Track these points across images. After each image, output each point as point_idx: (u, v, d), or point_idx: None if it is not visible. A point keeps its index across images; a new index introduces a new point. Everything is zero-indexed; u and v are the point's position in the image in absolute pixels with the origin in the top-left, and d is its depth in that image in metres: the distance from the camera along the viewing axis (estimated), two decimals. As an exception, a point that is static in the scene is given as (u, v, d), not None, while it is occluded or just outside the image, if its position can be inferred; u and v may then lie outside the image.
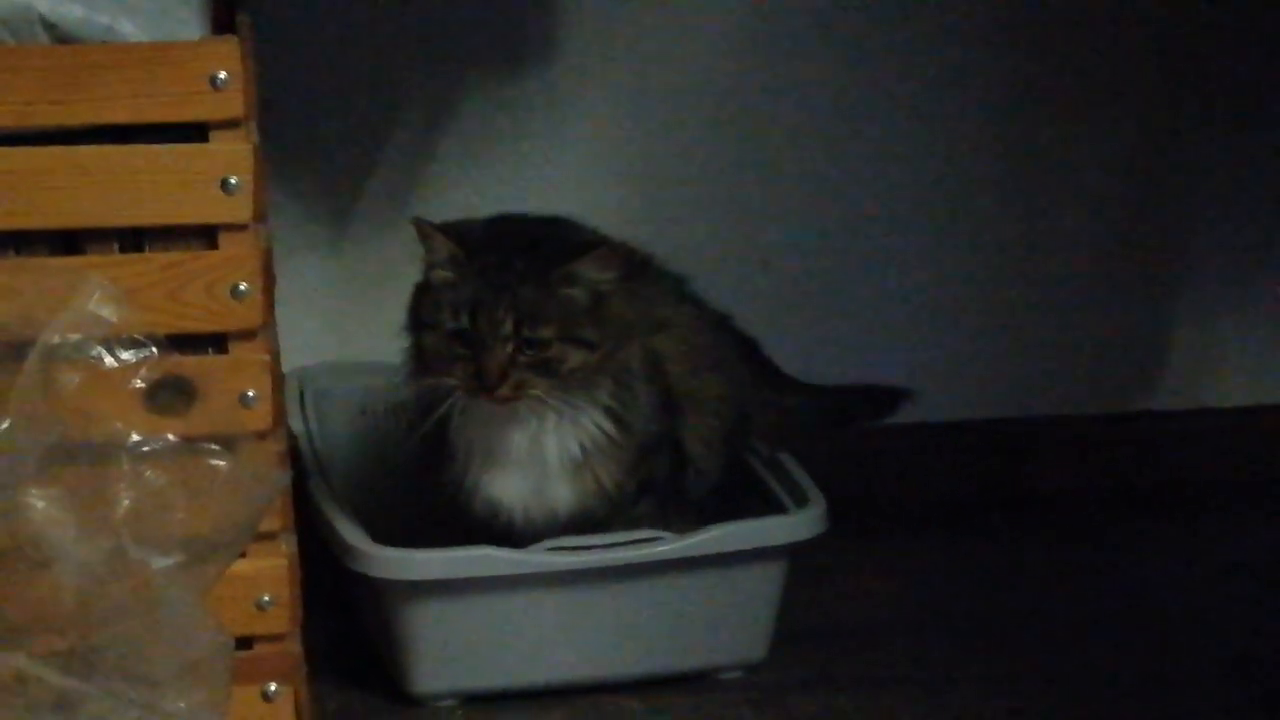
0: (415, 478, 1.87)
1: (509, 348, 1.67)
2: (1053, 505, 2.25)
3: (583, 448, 1.73)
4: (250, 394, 1.53)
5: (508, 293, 1.67)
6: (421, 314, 1.71)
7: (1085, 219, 2.26)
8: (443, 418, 1.72)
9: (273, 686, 1.60)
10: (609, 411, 1.73)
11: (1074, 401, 2.31)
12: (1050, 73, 2.20)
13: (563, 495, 1.75)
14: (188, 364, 1.50)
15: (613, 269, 1.70)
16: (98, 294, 1.42)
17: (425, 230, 1.70)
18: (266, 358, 1.54)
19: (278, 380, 1.59)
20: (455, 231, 1.71)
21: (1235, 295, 2.30)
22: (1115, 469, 2.30)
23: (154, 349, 1.44)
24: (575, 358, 1.69)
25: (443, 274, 1.70)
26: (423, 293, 1.73)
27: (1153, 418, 2.32)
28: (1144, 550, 2.15)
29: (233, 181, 1.50)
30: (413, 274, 1.78)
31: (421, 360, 1.73)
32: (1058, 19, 2.19)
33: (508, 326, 1.67)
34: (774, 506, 1.84)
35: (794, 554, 1.81)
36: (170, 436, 1.43)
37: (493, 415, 1.71)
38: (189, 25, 1.52)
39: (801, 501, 1.83)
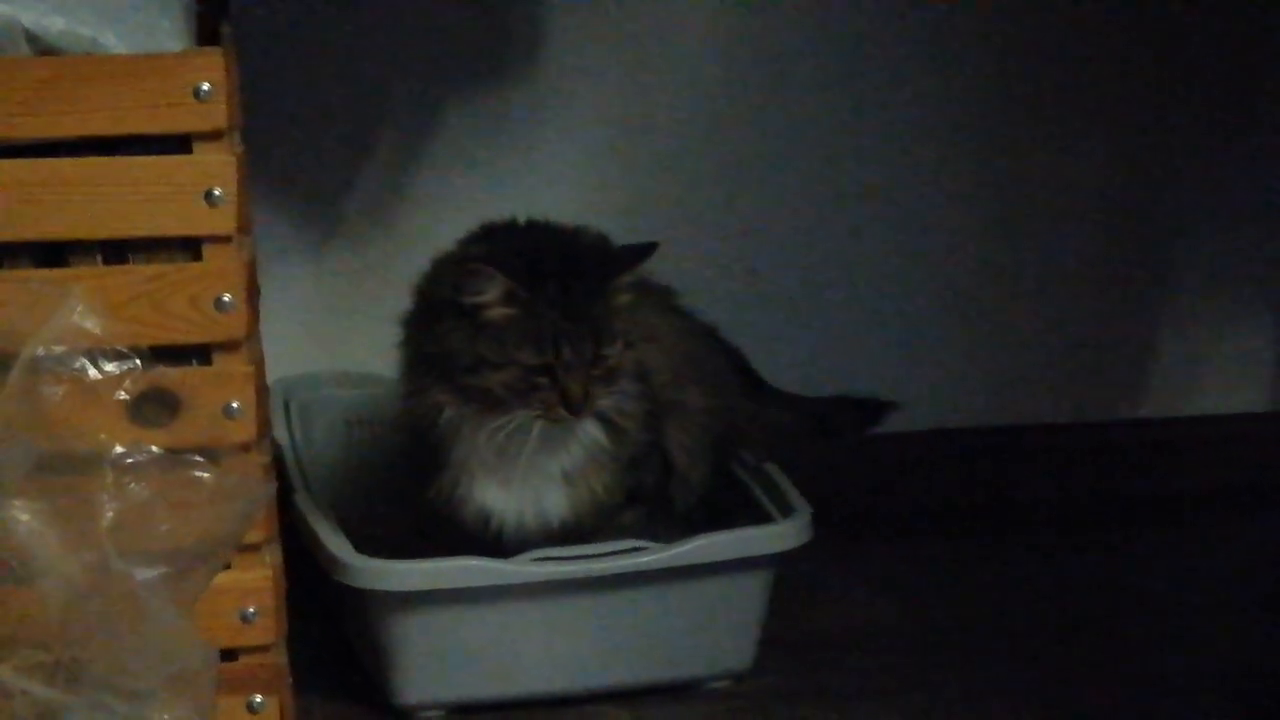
0: (403, 488, 1.87)
1: (589, 369, 1.69)
2: (1037, 513, 2.25)
3: (580, 456, 1.74)
4: (234, 405, 1.53)
5: (585, 322, 1.68)
6: (483, 354, 1.67)
7: (1069, 230, 2.26)
8: (435, 429, 1.72)
9: (258, 698, 1.60)
10: (605, 419, 1.74)
11: (1058, 410, 2.31)
12: (1036, 85, 2.21)
13: (558, 504, 1.75)
14: (172, 376, 1.50)
15: (641, 270, 1.76)
16: (81, 306, 1.42)
17: (484, 271, 1.66)
18: (251, 369, 1.54)
19: (262, 391, 1.59)
20: (509, 267, 1.67)
21: (1217, 305, 2.31)
22: (1099, 477, 2.30)
23: (138, 361, 1.44)
24: (627, 358, 1.73)
25: (501, 311, 1.67)
26: (474, 332, 1.67)
27: (1136, 426, 2.32)
28: (1128, 558, 2.15)
29: (216, 193, 1.49)
30: (398, 285, 1.78)
31: (476, 398, 1.69)
32: (1044, 34, 2.19)
33: (589, 351, 1.68)
34: (759, 516, 1.84)
35: (780, 563, 1.81)
36: (154, 448, 1.43)
37: (517, 430, 1.70)
38: (172, 36, 1.51)
39: (787, 511, 1.83)
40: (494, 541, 1.75)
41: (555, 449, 1.73)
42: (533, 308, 1.67)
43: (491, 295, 1.67)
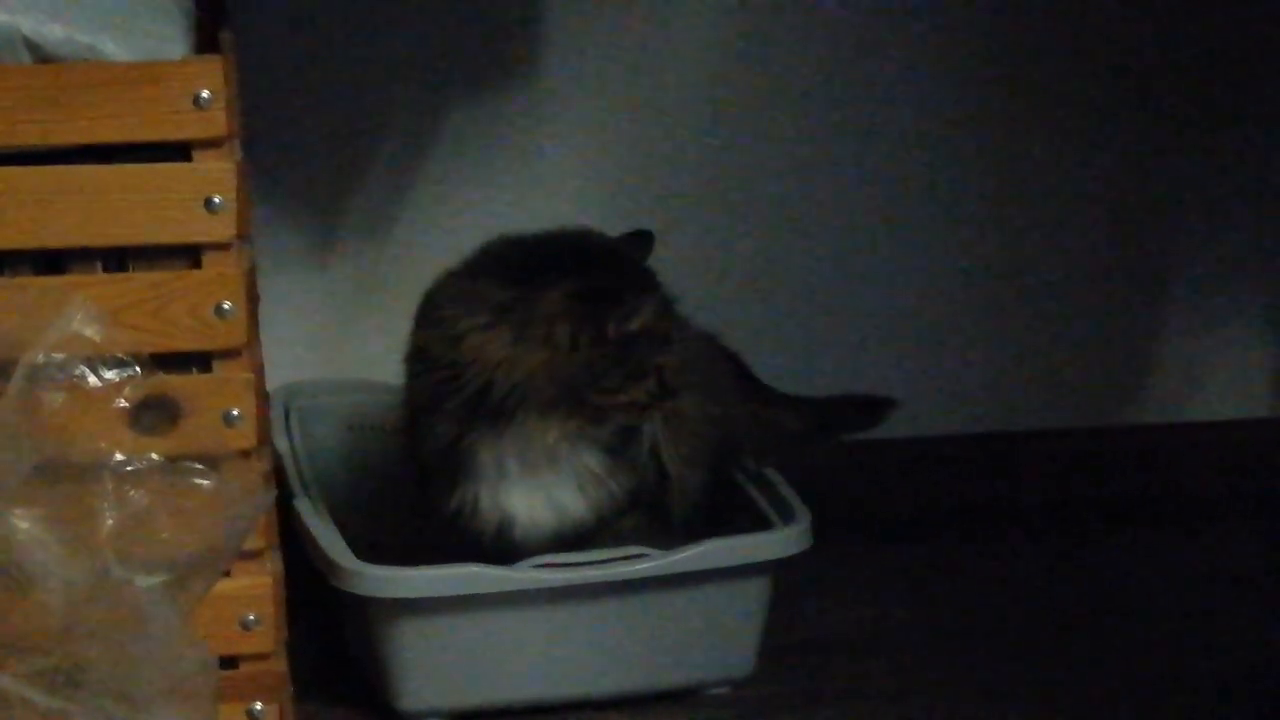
0: (404, 495, 1.87)
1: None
2: (1038, 519, 2.25)
3: (605, 455, 1.75)
4: (234, 413, 1.53)
5: (670, 310, 1.76)
6: (626, 369, 1.70)
7: (1071, 235, 2.26)
8: (462, 437, 1.72)
9: (258, 706, 1.60)
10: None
11: (1059, 415, 2.31)
12: (1037, 92, 2.21)
13: (578, 504, 1.75)
14: (172, 383, 1.50)
15: None
16: (81, 313, 1.42)
17: (649, 300, 1.71)
18: (251, 376, 1.54)
19: (262, 399, 1.59)
20: (648, 288, 1.73)
21: (1218, 310, 2.31)
22: (1100, 482, 2.30)
23: (138, 368, 1.44)
24: None
25: (647, 327, 1.71)
26: (615, 354, 1.70)
27: (1137, 431, 2.32)
28: (1129, 563, 2.15)
29: (216, 200, 1.50)
30: (398, 291, 1.78)
31: (607, 415, 1.73)
32: (1045, 36, 2.19)
33: (677, 337, 1.76)
34: (759, 522, 1.84)
35: (780, 569, 1.81)
36: (154, 456, 1.43)
37: (565, 436, 1.73)
38: (172, 44, 1.52)
39: (787, 517, 1.83)
40: (508, 546, 1.76)
41: (590, 448, 1.74)
42: (651, 314, 1.72)
43: (638, 322, 1.70)
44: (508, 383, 1.69)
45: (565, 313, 1.69)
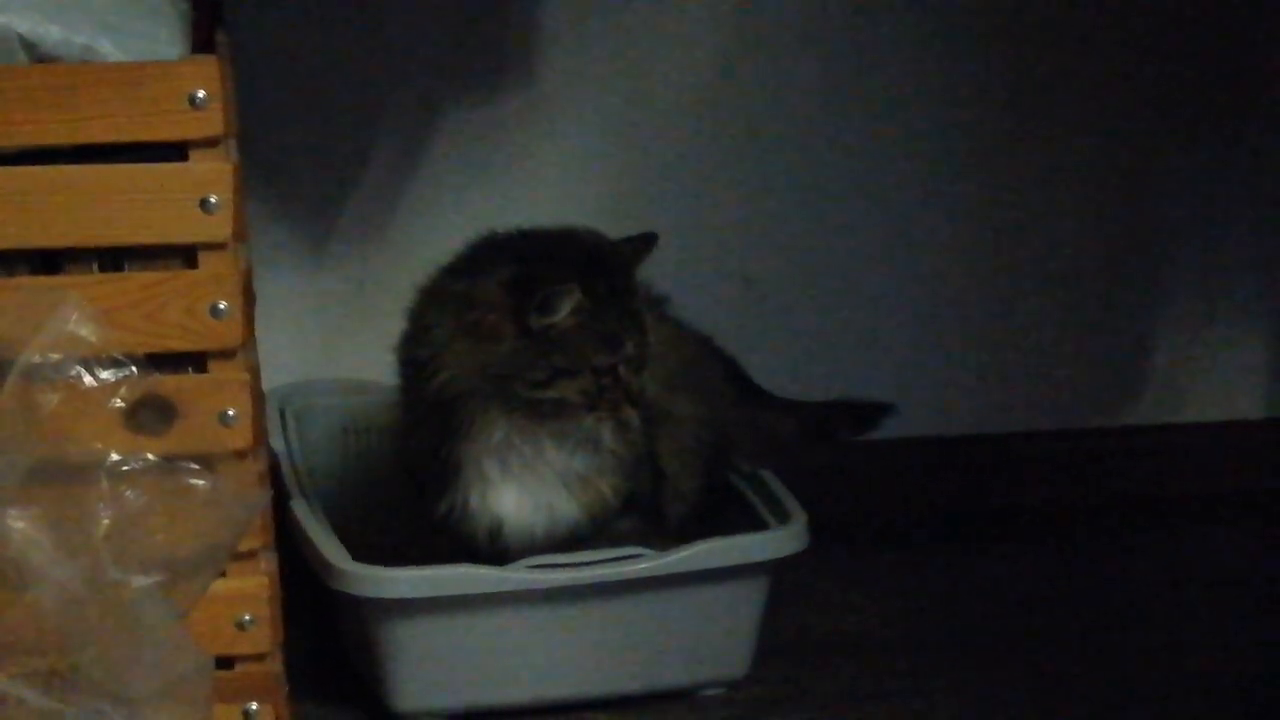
0: (399, 496, 1.87)
1: (641, 362, 1.72)
2: (1033, 520, 2.26)
3: (592, 457, 1.74)
4: (230, 413, 1.53)
5: (634, 316, 1.71)
6: (558, 365, 1.67)
7: (1063, 237, 2.26)
8: (447, 439, 1.72)
9: (254, 706, 1.60)
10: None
11: (1054, 416, 2.31)
12: (1036, 93, 2.21)
13: (569, 507, 1.75)
14: (167, 383, 1.50)
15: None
16: (77, 314, 1.42)
17: (561, 290, 1.65)
18: (246, 376, 1.54)
19: (258, 399, 1.59)
20: (575, 280, 1.67)
21: (1210, 312, 2.31)
22: (1095, 483, 2.30)
23: (133, 368, 1.44)
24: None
25: (570, 321, 1.67)
26: (545, 348, 1.67)
27: (1132, 432, 2.32)
28: (1124, 564, 2.15)
29: (212, 200, 1.50)
30: (394, 292, 1.78)
31: (546, 412, 1.69)
32: (1041, 40, 2.19)
33: (641, 344, 1.71)
34: (755, 523, 1.85)
35: (775, 570, 1.81)
36: (150, 456, 1.43)
37: (520, 433, 1.71)
38: (168, 44, 1.52)
39: (783, 518, 1.83)
40: (501, 548, 1.76)
41: (573, 450, 1.74)
42: (596, 312, 1.68)
43: (561, 312, 1.66)
44: (448, 375, 1.69)
45: (495, 301, 1.68)
